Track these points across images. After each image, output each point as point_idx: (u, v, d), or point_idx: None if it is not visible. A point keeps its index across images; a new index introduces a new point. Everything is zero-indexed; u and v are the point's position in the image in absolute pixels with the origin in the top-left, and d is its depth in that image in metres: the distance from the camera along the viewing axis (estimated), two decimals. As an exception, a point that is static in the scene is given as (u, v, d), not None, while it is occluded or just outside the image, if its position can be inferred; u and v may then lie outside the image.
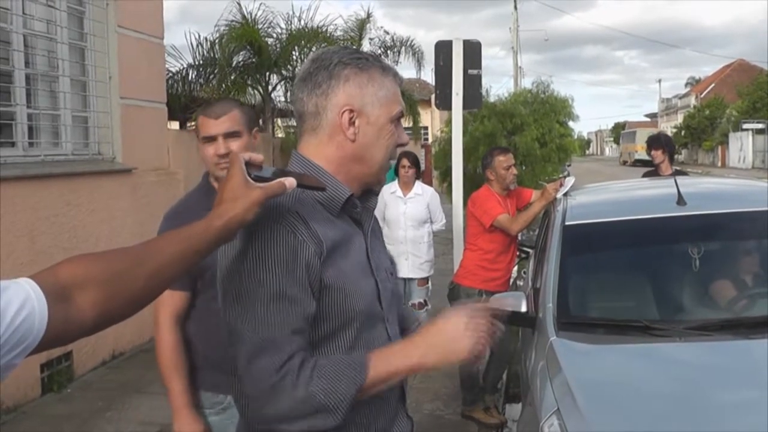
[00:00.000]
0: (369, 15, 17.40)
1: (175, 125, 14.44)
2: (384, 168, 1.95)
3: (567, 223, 4.34)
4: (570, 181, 5.51)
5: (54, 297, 1.34)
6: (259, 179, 1.67)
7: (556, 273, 3.99)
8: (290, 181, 1.68)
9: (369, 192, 1.99)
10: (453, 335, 1.79)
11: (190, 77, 14.09)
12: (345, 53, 1.90)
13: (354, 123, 1.86)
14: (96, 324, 1.44)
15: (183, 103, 12.99)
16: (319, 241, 1.74)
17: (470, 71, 7.84)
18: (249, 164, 1.69)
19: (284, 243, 1.70)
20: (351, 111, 1.85)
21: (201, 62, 14.12)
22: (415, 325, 2.19)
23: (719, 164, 53.97)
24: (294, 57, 14.35)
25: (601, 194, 5.66)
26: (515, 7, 39.42)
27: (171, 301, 2.89)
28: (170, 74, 13.27)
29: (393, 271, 2.08)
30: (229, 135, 2.96)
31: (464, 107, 7.92)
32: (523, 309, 3.99)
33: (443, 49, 7.89)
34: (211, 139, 2.96)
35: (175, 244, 1.57)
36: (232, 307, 1.73)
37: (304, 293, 1.71)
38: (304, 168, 1.86)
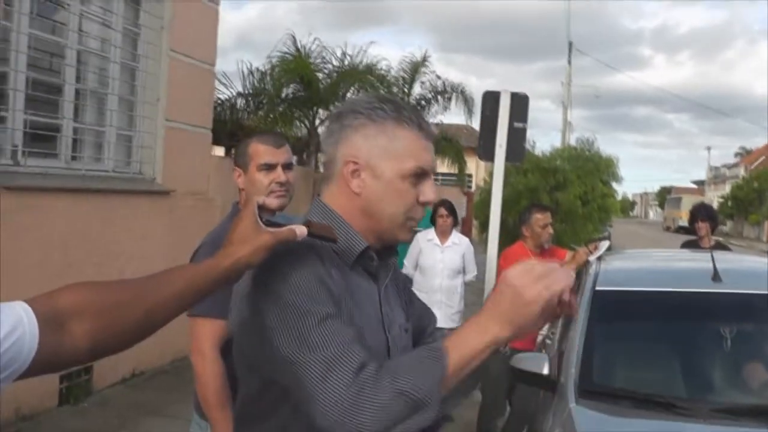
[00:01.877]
0: (425, 58, 17.40)
1: (220, 151, 14.58)
2: (397, 225, 1.84)
3: (597, 288, 4.25)
4: (604, 245, 5.42)
5: (48, 323, 1.32)
6: (270, 224, 1.65)
7: (582, 338, 3.90)
8: (301, 229, 1.66)
9: (389, 249, 1.93)
10: (527, 298, 1.58)
11: (238, 105, 14.24)
12: (363, 101, 1.85)
13: (359, 175, 1.79)
14: (89, 354, 1.42)
15: (229, 130, 13.14)
16: (333, 292, 1.69)
17: (516, 124, 7.78)
18: (262, 208, 1.68)
19: (315, 275, 1.66)
20: (355, 163, 1.79)
21: (251, 91, 14.26)
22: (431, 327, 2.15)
23: (765, 239, 53.08)
24: (342, 93, 14.45)
25: (635, 261, 5.56)
26: (569, 62, 39.37)
27: (213, 330, 2.80)
28: (219, 101, 13.42)
29: (408, 327, 2.00)
30: (287, 165, 3.07)
31: (506, 160, 7.87)
32: (545, 371, 3.91)
33: (491, 99, 7.85)
34: (271, 166, 3.03)
35: (178, 281, 1.55)
36: (282, 342, 1.63)
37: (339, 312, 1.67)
38: (324, 216, 1.82)
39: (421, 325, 2.14)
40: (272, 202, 1.73)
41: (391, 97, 1.94)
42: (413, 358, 1.64)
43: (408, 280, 2.16)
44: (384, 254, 1.91)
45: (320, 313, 1.62)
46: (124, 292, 1.49)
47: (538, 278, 1.60)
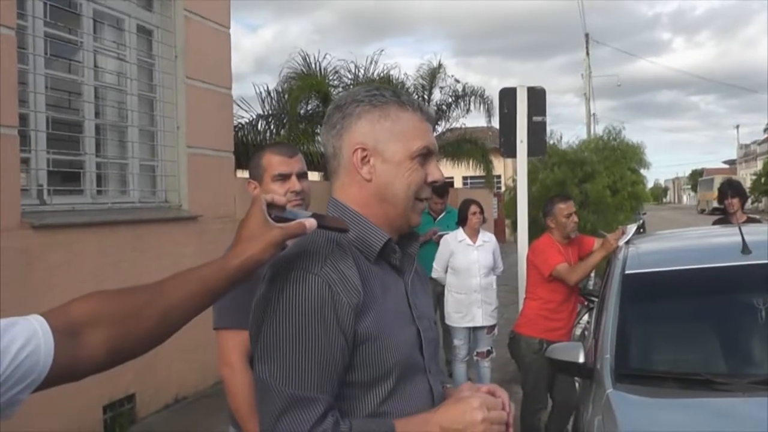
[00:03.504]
0: (440, 65, 17.51)
1: (245, 174, 14.69)
2: (410, 207, 1.83)
3: (627, 272, 4.23)
4: (632, 229, 5.40)
5: (63, 334, 1.34)
6: (280, 220, 1.64)
7: (615, 323, 3.88)
8: (311, 222, 1.65)
9: (409, 237, 1.92)
10: (467, 427, 1.70)
11: (259, 127, 14.33)
12: (361, 91, 1.85)
13: (369, 161, 1.79)
14: (105, 362, 1.44)
15: (252, 152, 13.25)
16: (357, 292, 1.68)
17: (535, 118, 7.77)
18: (271, 205, 1.67)
19: (318, 296, 1.63)
20: (363, 149, 1.79)
21: (270, 113, 14.35)
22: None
23: (803, 212, 52.26)
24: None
25: (663, 242, 5.50)
26: (587, 53, 39.17)
27: (239, 340, 2.76)
28: (240, 125, 13.51)
29: (435, 319, 1.99)
30: (301, 174, 3.08)
31: (529, 154, 7.85)
32: (581, 359, 3.89)
33: (508, 96, 7.86)
34: (286, 176, 3.04)
35: (188, 284, 1.56)
36: (262, 358, 1.66)
37: (337, 348, 1.65)
38: (340, 213, 1.81)
39: None
40: (281, 199, 1.72)
41: (387, 86, 1.95)
42: (366, 428, 1.66)
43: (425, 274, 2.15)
44: (405, 244, 1.90)
45: (307, 344, 1.63)
46: (137, 298, 1.50)
47: (481, 423, 1.71)
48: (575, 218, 5.98)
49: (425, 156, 1.83)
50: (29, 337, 1.29)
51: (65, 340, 1.34)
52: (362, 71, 15.25)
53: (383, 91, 1.85)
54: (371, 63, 15.71)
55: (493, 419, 1.72)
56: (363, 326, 1.68)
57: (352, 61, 15.59)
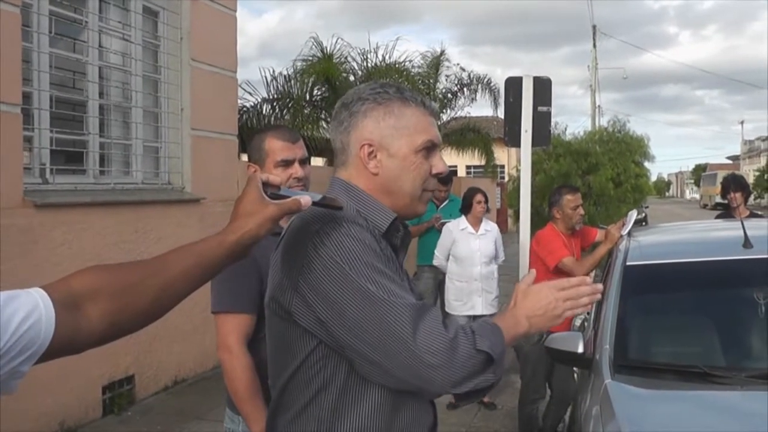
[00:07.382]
0: (442, 52, 17.48)
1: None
2: (416, 199, 1.96)
3: (628, 264, 4.22)
4: (633, 215, 5.38)
5: (63, 306, 1.36)
6: (275, 197, 1.69)
7: (615, 314, 3.87)
8: (305, 199, 1.71)
9: (403, 226, 2.01)
10: (548, 309, 1.84)
11: (264, 111, 14.29)
12: (366, 88, 1.96)
13: (375, 156, 1.91)
14: (104, 335, 1.46)
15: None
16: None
17: (540, 108, 7.73)
18: (266, 184, 1.71)
19: (366, 237, 1.77)
20: (370, 145, 1.91)
21: (276, 96, 14.31)
22: None
23: (806, 209, 52.11)
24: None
25: (665, 235, 5.49)
26: (594, 45, 39.06)
27: (238, 324, 2.80)
28: (245, 109, 13.47)
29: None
30: (303, 160, 3.05)
31: (533, 144, 7.82)
32: (580, 349, 3.88)
33: (513, 85, 7.81)
34: (289, 162, 3.02)
35: (186, 259, 1.58)
36: (358, 302, 1.69)
37: None
38: (347, 192, 1.91)
39: None
40: (275, 178, 1.74)
41: (392, 82, 2.07)
42: (484, 324, 1.79)
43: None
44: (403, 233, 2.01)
45: (386, 275, 1.75)
46: (136, 272, 1.53)
47: (566, 297, 1.86)
48: (581, 211, 5.97)
49: (429, 149, 1.95)
50: (31, 309, 1.31)
51: (66, 312, 1.37)
52: (372, 58, 15.26)
53: (387, 88, 1.96)
54: (386, 51, 15.74)
55: (571, 295, 1.86)
56: None
57: (367, 50, 15.58)
